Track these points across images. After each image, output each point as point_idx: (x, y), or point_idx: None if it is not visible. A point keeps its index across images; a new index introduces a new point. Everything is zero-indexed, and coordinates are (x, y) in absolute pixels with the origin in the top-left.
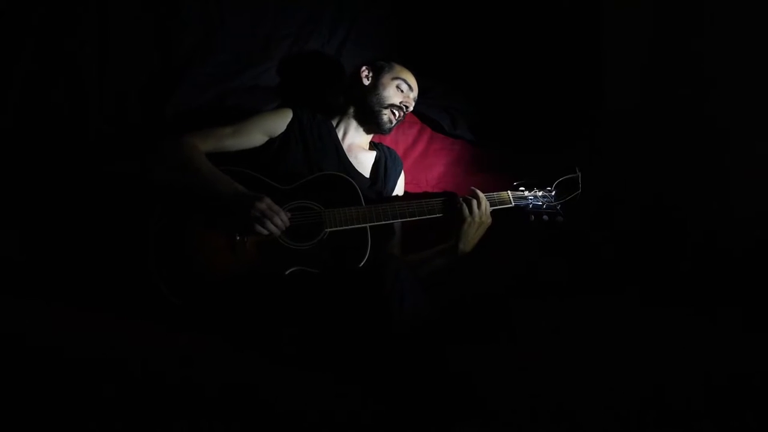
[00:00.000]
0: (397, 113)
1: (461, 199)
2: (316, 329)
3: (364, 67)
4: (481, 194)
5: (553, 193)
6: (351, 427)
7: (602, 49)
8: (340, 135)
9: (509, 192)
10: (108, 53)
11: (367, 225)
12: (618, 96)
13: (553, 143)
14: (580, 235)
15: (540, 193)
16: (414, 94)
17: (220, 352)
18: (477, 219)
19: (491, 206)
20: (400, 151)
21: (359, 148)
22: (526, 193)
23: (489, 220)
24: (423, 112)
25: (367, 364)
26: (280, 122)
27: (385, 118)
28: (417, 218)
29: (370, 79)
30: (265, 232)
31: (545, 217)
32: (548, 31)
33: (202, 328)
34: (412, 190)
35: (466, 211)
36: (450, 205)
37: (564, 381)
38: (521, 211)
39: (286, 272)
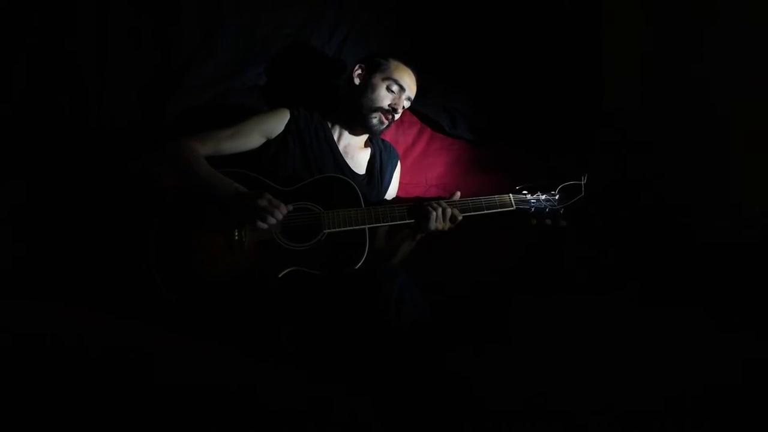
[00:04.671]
0: (386, 117)
1: (428, 206)
2: (315, 330)
3: (357, 66)
4: (444, 205)
5: (556, 197)
6: (349, 427)
7: (602, 47)
8: (335, 136)
9: (511, 195)
10: (108, 53)
11: (366, 227)
12: (618, 95)
13: (552, 143)
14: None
15: (543, 197)
16: (408, 94)
17: (219, 352)
18: (435, 228)
19: (492, 209)
20: (400, 151)
21: (355, 148)
22: (529, 196)
23: (450, 226)
24: (423, 111)
25: (365, 365)
26: (277, 123)
27: (374, 121)
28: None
29: (361, 78)
30: (265, 226)
31: (548, 221)
32: (549, 31)
33: (200, 327)
34: (412, 190)
35: (433, 221)
36: (417, 212)
37: (562, 381)
38: (523, 214)
39: (284, 272)
